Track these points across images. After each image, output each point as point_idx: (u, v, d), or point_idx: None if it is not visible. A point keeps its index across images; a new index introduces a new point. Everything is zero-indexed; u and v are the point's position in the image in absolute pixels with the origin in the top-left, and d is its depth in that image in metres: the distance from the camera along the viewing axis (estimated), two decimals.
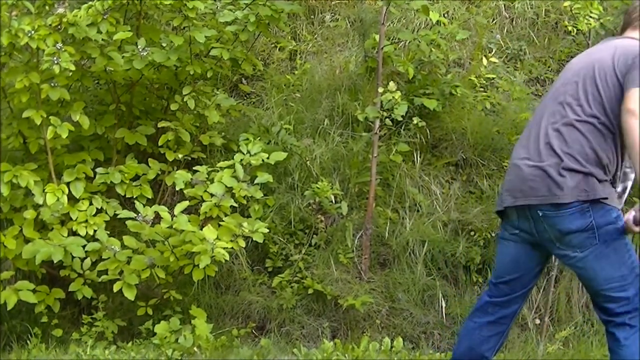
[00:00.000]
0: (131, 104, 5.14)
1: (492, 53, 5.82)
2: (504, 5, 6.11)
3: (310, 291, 4.95)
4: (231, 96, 5.74)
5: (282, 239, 5.18)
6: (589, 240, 3.04)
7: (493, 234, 5.01)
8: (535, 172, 3.11)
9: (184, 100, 4.85)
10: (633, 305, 3.08)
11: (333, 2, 6.48)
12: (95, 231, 4.64)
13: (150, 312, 4.81)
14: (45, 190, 4.61)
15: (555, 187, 3.06)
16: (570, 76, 3.25)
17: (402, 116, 4.98)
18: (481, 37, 5.86)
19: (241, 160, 4.75)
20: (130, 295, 4.52)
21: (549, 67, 5.79)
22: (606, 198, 3.05)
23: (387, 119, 4.97)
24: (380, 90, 4.93)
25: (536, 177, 3.11)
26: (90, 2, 4.60)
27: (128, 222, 4.49)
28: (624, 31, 3.37)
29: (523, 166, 3.17)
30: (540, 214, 3.09)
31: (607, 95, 3.10)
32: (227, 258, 4.42)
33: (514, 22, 6.08)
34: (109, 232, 4.68)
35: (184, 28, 4.92)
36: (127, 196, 4.89)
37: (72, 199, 4.73)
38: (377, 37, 5.21)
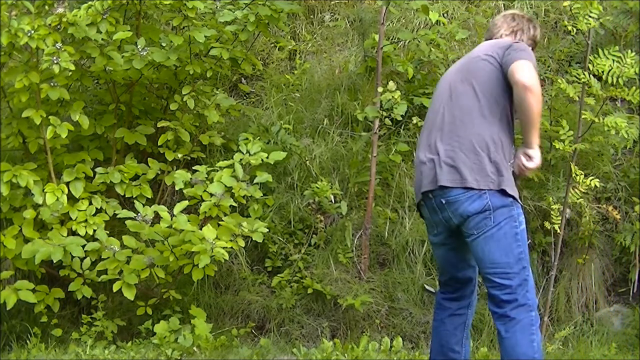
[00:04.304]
0: (131, 104, 5.14)
1: None
2: (504, 5, 6.11)
3: (309, 291, 4.95)
4: (231, 96, 5.75)
5: (281, 239, 5.18)
6: (485, 221, 3.15)
7: None
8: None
9: (184, 100, 4.85)
10: (515, 296, 3.16)
11: (332, 2, 6.48)
12: (94, 231, 4.65)
13: (149, 311, 4.81)
14: (45, 190, 4.61)
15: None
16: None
17: (401, 116, 4.99)
18: (481, 37, 5.86)
19: (240, 159, 4.75)
20: (129, 295, 4.52)
21: (548, 66, 5.78)
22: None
23: (386, 119, 4.98)
24: (380, 89, 4.93)
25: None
26: (89, 2, 4.60)
27: (127, 222, 4.49)
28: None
29: None
30: (444, 202, 3.21)
31: None
32: (227, 258, 4.42)
33: None
34: (108, 232, 4.69)
35: (184, 28, 4.92)
36: (126, 196, 4.89)
37: (72, 199, 4.73)
38: (376, 36, 5.21)
